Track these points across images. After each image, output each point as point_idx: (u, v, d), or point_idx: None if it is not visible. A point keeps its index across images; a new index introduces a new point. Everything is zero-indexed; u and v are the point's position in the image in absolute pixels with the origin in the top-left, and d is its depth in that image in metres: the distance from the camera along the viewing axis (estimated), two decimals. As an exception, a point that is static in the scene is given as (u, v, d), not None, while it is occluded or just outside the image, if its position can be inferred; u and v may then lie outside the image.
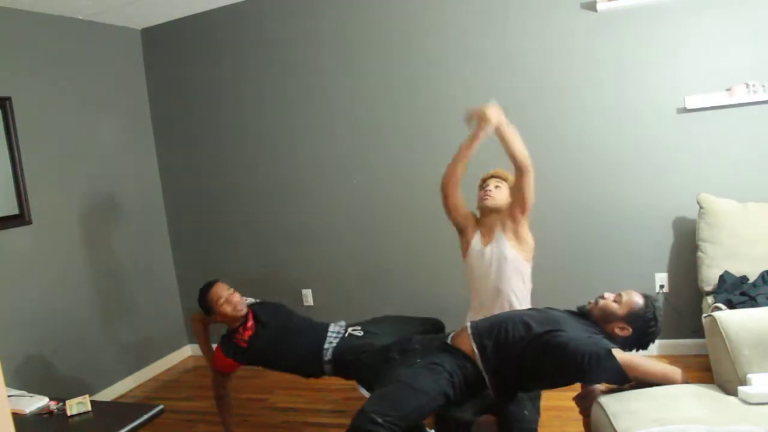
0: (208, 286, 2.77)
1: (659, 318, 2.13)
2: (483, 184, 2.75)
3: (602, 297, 2.19)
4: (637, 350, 2.14)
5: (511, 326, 2.11)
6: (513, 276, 2.58)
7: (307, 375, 2.76)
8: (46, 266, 3.45)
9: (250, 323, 2.75)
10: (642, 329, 2.11)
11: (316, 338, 2.69)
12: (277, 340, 2.71)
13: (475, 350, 2.11)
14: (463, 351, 2.14)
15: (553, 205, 3.50)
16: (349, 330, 2.73)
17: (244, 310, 2.75)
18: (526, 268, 2.62)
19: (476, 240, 2.66)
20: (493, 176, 2.76)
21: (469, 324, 2.24)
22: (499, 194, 2.68)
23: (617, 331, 2.11)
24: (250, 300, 2.91)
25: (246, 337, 2.71)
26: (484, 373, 2.09)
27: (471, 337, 2.15)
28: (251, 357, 2.73)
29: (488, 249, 2.61)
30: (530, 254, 2.63)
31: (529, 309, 2.26)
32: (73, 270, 3.61)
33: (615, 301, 2.15)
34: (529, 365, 2.06)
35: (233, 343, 2.72)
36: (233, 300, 2.73)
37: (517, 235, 2.58)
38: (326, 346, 2.65)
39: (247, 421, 3.20)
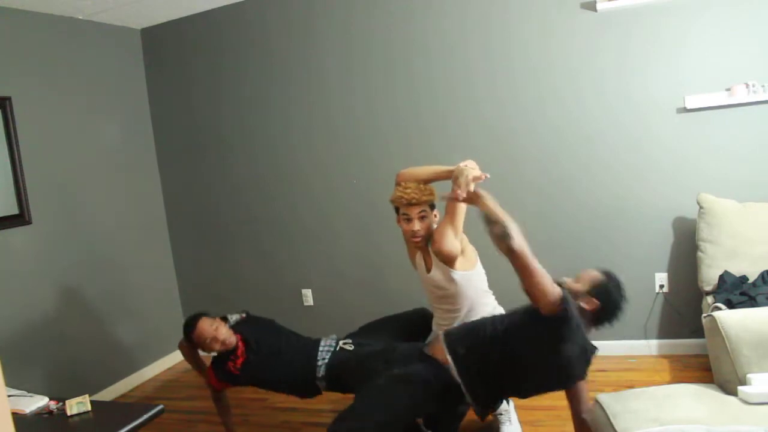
0: (191, 326, 2.67)
1: (623, 287, 2.10)
2: (404, 216, 2.42)
3: (562, 282, 2.16)
4: (609, 323, 2.09)
5: (482, 330, 2.14)
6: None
7: (302, 395, 2.73)
8: (46, 266, 3.45)
9: (240, 350, 2.67)
10: (608, 299, 2.07)
11: (308, 358, 2.63)
12: (270, 366, 2.65)
13: (449, 358, 2.12)
14: (439, 360, 2.16)
15: (553, 204, 3.50)
16: (341, 344, 2.69)
17: (234, 340, 2.66)
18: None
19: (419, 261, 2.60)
20: (412, 204, 2.38)
21: (441, 333, 2.25)
22: (426, 225, 2.41)
23: (584, 305, 2.06)
24: (236, 317, 2.82)
25: (238, 365, 2.65)
26: (458, 379, 2.10)
27: (444, 345, 2.16)
28: (245, 382, 2.71)
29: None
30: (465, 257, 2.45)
31: (501, 314, 2.28)
32: (72, 270, 3.61)
33: (575, 281, 2.13)
34: (497, 360, 2.07)
35: (226, 370, 2.68)
36: (220, 336, 2.63)
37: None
38: (319, 362, 2.61)
39: (247, 421, 3.20)
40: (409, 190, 2.38)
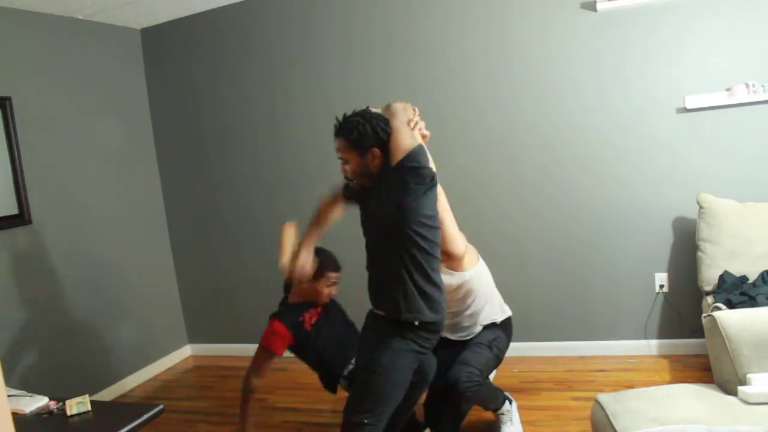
0: (330, 264, 2.76)
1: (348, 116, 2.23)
2: None
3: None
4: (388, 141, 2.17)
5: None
6: None
7: (326, 385, 2.73)
8: (46, 266, 3.45)
9: (318, 309, 2.73)
10: (364, 134, 2.19)
11: (349, 351, 2.65)
12: (329, 339, 2.68)
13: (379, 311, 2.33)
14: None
15: (554, 204, 3.50)
16: None
17: (327, 297, 2.76)
18: None
19: None
20: None
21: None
22: None
23: (375, 163, 2.19)
24: None
25: (313, 321, 2.70)
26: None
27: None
28: (306, 342, 2.68)
29: None
30: None
31: None
32: (72, 270, 3.60)
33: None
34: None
35: (299, 321, 2.68)
36: (334, 290, 2.75)
37: None
38: (352, 362, 2.62)
39: (247, 421, 3.20)
40: None
